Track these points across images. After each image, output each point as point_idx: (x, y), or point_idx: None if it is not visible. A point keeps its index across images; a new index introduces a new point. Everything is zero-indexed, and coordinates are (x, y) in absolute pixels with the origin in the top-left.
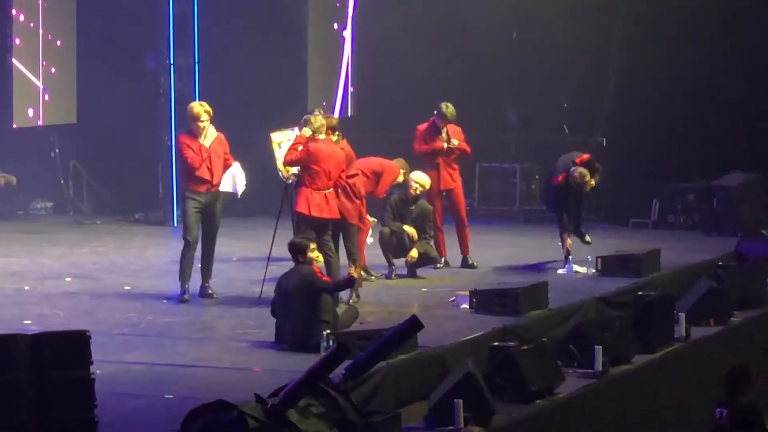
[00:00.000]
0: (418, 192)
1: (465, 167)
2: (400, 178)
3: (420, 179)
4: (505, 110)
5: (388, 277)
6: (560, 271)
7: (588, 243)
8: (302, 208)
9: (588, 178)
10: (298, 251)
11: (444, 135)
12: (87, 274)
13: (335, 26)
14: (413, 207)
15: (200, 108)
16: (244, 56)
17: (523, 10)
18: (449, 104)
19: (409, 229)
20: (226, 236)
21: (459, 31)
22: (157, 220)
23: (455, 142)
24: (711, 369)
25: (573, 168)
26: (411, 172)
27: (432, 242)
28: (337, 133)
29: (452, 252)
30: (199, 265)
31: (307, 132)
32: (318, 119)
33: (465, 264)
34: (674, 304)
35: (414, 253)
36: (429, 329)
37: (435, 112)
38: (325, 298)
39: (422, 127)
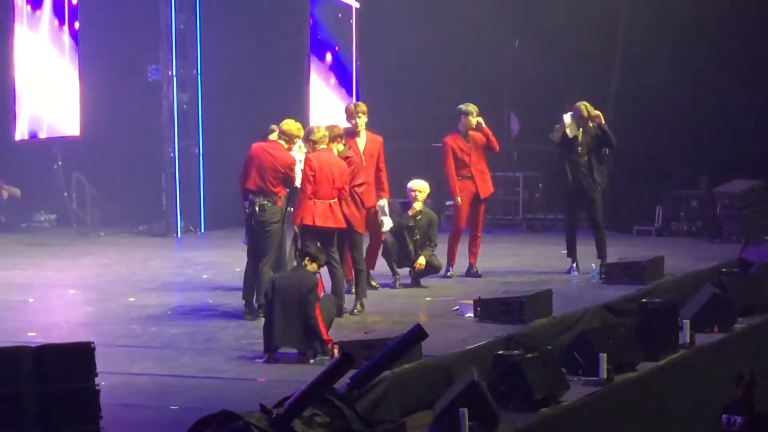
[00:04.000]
0: (419, 199)
1: None
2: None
3: (419, 186)
4: (508, 118)
5: (392, 286)
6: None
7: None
8: (307, 219)
9: (591, 108)
10: (304, 255)
11: (469, 141)
12: (91, 285)
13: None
14: (419, 217)
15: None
16: (246, 68)
17: (526, 19)
18: (467, 103)
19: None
20: (231, 247)
21: (460, 40)
22: (161, 231)
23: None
24: (715, 376)
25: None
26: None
27: (436, 250)
28: (343, 141)
29: (458, 260)
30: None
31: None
32: (320, 130)
33: (470, 272)
34: (678, 311)
35: (422, 260)
36: (433, 338)
37: (461, 116)
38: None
39: (448, 139)
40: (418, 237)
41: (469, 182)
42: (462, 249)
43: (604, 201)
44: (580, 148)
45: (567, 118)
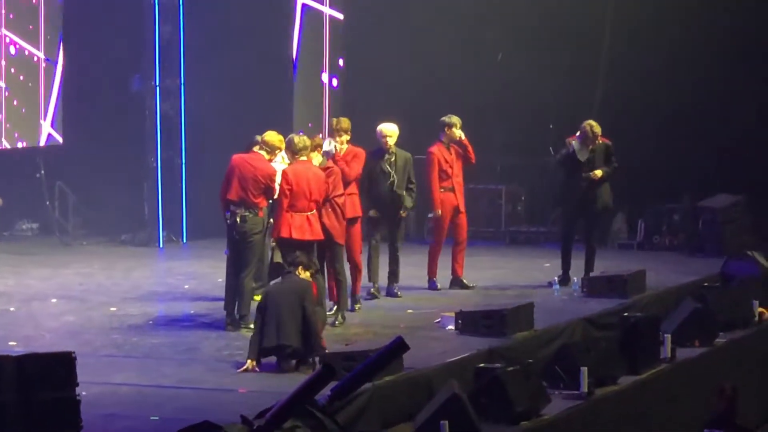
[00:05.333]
0: (390, 143)
1: None
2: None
3: (388, 130)
4: (492, 130)
5: (368, 293)
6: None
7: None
8: (284, 231)
9: (598, 129)
10: (296, 264)
11: (452, 153)
12: (73, 295)
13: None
14: (393, 158)
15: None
16: (230, 78)
17: (509, 32)
18: (450, 115)
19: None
20: (212, 258)
21: (445, 53)
22: (143, 241)
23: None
24: (696, 390)
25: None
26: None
27: (414, 192)
28: (322, 152)
29: (441, 273)
30: None
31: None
32: (301, 141)
33: (458, 284)
34: (660, 325)
35: (403, 212)
36: (415, 351)
37: (444, 128)
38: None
39: (435, 149)
40: (394, 179)
41: (451, 194)
42: (442, 261)
43: (608, 218)
44: (585, 166)
45: (575, 144)
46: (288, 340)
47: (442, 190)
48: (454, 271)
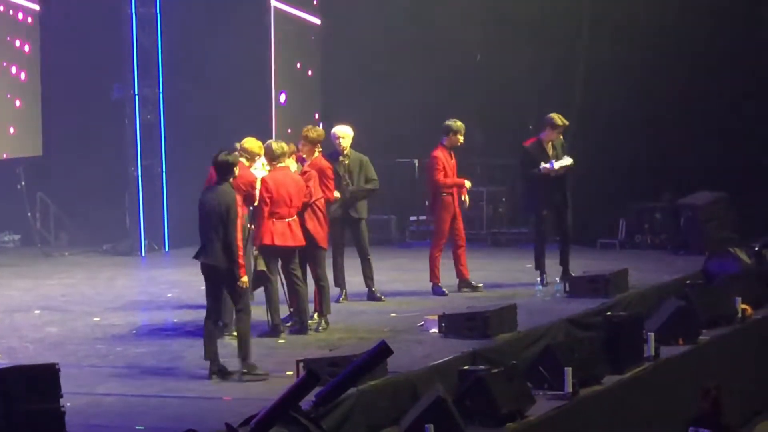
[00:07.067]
0: (343, 144)
1: None
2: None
3: (342, 132)
4: (471, 132)
5: (337, 299)
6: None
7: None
8: (266, 239)
9: (564, 119)
10: (227, 170)
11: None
12: (56, 306)
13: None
14: (347, 161)
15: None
16: (209, 85)
17: (487, 33)
18: (456, 120)
19: None
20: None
21: (424, 54)
22: (125, 250)
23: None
24: (681, 388)
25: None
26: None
27: (374, 187)
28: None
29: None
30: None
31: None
32: (280, 147)
33: (470, 286)
34: (643, 323)
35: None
36: (398, 354)
37: (449, 133)
38: None
39: (439, 154)
40: (348, 182)
41: (451, 198)
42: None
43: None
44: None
45: (565, 160)
46: (213, 260)
47: (444, 194)
48: (460, 274)
